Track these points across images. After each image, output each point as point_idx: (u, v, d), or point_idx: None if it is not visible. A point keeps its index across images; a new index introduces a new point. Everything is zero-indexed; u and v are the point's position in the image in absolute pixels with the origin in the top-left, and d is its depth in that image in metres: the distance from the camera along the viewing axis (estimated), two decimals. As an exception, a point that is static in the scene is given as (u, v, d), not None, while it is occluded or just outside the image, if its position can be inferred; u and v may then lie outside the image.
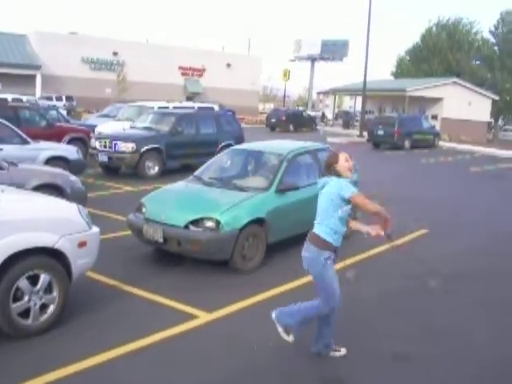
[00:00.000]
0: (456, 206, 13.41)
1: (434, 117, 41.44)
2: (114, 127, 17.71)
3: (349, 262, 7.61)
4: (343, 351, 5.15)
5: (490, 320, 6.36)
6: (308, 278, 7.21)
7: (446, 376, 4.96)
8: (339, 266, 5.51)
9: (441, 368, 5.09)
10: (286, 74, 60.66)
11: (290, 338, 5.04)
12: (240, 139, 16.92)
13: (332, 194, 4.77)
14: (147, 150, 14.80)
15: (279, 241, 8.14)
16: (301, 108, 56.60)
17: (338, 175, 4.84)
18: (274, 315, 5.05)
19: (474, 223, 11.50)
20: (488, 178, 19.94)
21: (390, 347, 5.41)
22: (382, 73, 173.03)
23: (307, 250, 4.91)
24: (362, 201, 4.72)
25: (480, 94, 44.15)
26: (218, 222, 7.11)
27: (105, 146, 14.87)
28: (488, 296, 7.16)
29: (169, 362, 4.96)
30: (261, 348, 5.29)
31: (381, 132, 29.68)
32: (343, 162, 4.84)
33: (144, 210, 7.78)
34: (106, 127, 18.48)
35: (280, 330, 5.03)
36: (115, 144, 14.68)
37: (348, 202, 4.75)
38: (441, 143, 33.47)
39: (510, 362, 5.33)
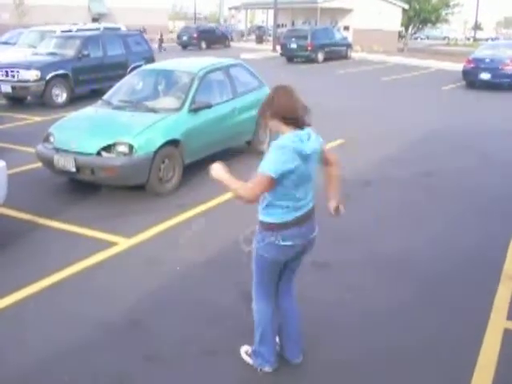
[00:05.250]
0: (371, 117, 13.66)
1: (346, 28, 41.28)
2: (14, 55, 16.65)
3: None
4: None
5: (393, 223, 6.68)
6: (224, 197, 7.23)
7: (360, 278, 5.19)
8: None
9: (355, 272, 5.33)
10: (196, -10, 58.73)
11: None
12: (150, 60, 16.35)
13: None
14: (53, 77, 14.08)
15: (196, 161, 8.07)
16: (212, 24, 55.10)
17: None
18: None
19: (386, 132, 11.80)
20: (399, 86, 20.34)
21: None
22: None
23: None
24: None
25: (390, 2, 44.17)
26: (131, 146, 6.93)
27: (6, 76, 14.04)
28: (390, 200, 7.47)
29: (91, 290, 4.92)
30: (183, 268, 5.33)
31: (293, 45, 29.42)
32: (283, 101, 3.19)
33: (52, 139, 7.46)
34: (6, 55, 17.32)
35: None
36: (18, 72, 13.89)
37: None
38: (353, 54, 33.62)
39: (407, 257, 5.64)
